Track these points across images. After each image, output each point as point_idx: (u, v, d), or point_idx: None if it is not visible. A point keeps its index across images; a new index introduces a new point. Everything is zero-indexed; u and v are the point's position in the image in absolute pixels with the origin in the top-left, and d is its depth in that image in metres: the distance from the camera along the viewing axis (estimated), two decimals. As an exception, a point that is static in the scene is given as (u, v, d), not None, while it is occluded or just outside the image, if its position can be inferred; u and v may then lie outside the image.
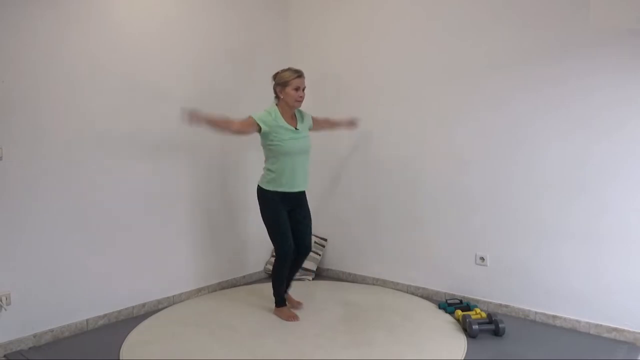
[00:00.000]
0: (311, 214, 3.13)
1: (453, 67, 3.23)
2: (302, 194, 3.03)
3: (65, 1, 2.71)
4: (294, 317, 2.94)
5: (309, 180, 3.05)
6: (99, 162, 2.90)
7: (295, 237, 3.01)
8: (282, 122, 2.87)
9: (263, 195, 2.94)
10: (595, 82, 2.68)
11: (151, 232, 3.18)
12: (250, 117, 2.83)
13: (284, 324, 2.88)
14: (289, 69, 2.90)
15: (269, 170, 2.92)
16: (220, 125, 2.79)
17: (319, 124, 3.18)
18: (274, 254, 3.02)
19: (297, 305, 3.11)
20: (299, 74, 2.87)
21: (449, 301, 3.15)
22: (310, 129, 3.07)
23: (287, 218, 2.96)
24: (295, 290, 3.32)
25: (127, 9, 3.01)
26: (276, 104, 2.92)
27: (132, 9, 3.04)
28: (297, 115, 3.00)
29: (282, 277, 3.00)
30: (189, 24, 3.37)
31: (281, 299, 3.03)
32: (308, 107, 3.09)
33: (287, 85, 2.86)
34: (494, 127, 3.07)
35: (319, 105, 3.65)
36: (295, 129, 2.90)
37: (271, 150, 2.88)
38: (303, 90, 2.90)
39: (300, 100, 2.89)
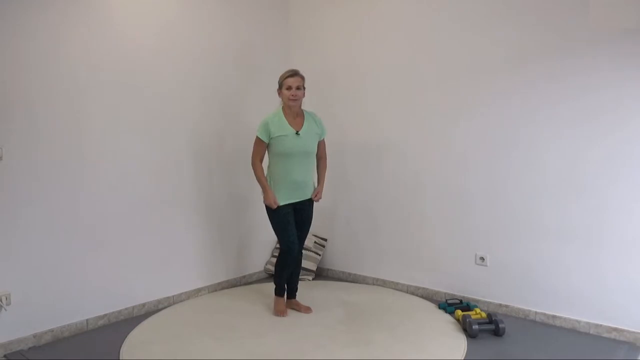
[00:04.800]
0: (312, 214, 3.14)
1: (453, 67, 3.22)
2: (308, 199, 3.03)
3: (65, 1, 2.71)
4: (283, 313, 3.00)
5: (313, 182, 3.06)
6: (99, 162, 2.89)
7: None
8: (284, 124, 2.87)
9: None
10: (595, 81, 2.68)
11: (151, 232, 3.17)
12: (256, 137, 2.90)
13: (284, 324, 2.88)
14: (285, 71, 2.92)
15: (269, 176, 2.94)
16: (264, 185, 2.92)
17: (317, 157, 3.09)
18: (278, 246, 3.00)
19: (306, 310, 3.06)
20: (290, 73, 2.87)
21: (449, 301, 3.15)
22: (318, 140, 3.02)
23: (293, 214, 2.96)
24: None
25: (127, 9, 3.01)
26: (282, 107, 2.95)
27: (131, 9, 3.03)
28: (307, 118, 2.97)
29: (282, 268, 3.00)
30: (188, 25, 3.36)
31: (280, 289, 3.06)
32: (308, 106, 3.08)
33: (282, 86, 2.89)
34: (494, 126, 3.06)
35: (320, 105, 3.64)
36: (297, 133, 2.88)
37: (270, 150, 2.90)
38: (297, 88, 2.86)
39: (293, 98, 2.85)
